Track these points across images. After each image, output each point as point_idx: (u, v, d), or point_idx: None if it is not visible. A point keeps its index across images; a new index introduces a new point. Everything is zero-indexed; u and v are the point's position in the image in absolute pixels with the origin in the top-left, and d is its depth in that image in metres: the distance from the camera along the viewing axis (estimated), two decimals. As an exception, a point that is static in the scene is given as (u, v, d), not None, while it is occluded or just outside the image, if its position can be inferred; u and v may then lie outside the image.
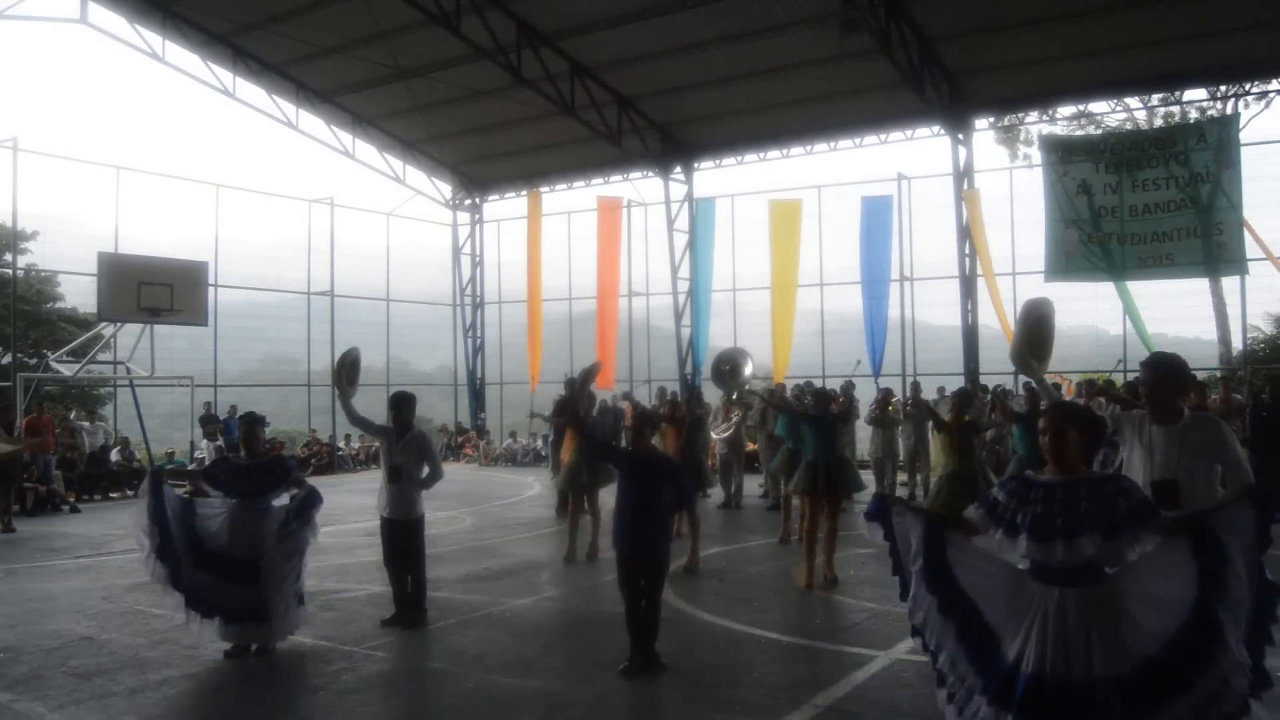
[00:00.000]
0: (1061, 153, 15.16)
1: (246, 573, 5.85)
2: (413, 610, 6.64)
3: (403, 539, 6.64)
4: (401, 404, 6.72)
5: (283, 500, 6.19)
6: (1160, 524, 3.19)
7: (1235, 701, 3.04)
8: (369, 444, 19.95)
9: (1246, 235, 13.97)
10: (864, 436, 14.58)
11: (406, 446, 6.61)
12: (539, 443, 20.79)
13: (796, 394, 13.10)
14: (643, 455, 5.73)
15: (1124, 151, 14.70)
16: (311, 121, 20.54)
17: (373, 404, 18.46)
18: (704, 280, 19.66)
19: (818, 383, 15.06)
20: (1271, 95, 16.26)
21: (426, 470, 6.69)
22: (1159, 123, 19.23)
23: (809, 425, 8.32)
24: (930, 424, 13.39)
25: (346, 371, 6.90)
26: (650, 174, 20.96)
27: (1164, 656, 3.07)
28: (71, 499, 14.50)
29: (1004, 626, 3.30)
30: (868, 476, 11.67)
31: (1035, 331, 4.72)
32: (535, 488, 16.36)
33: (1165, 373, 4.27)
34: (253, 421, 6.34)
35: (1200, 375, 14.33)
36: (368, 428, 7.01)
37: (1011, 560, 3.42)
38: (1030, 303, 4.84)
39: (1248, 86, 16.02)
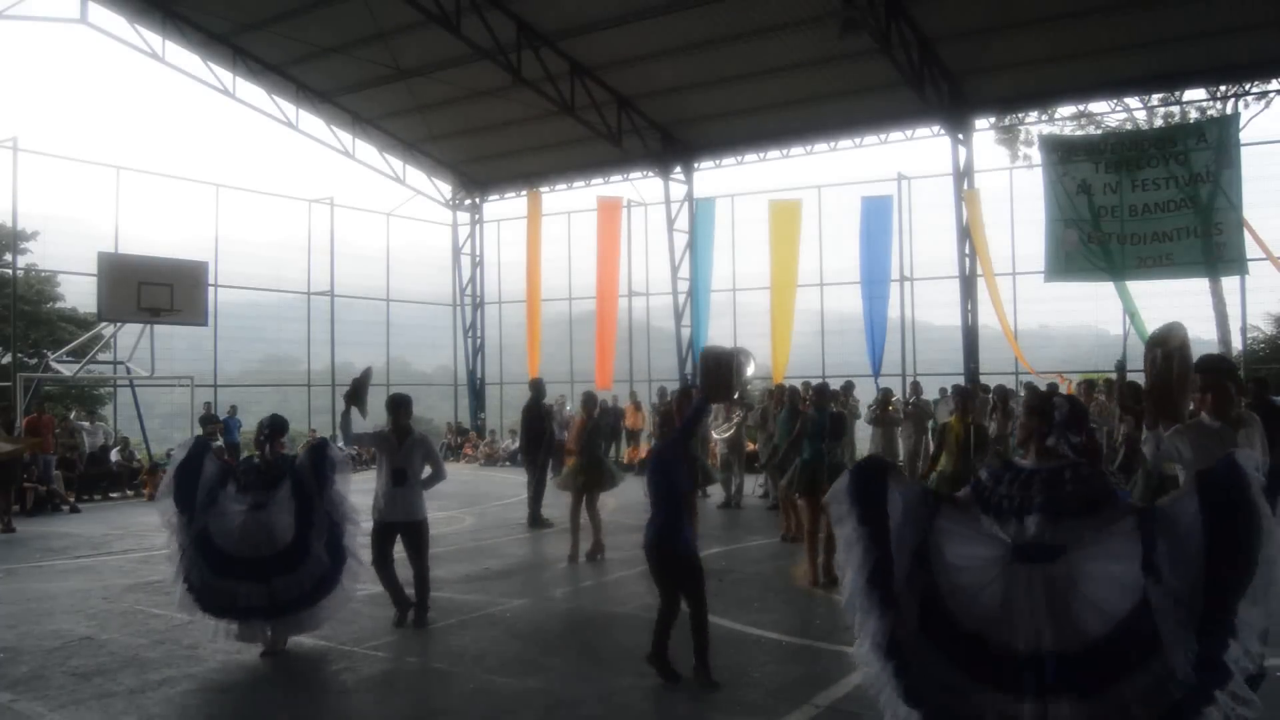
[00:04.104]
0: (1061, 153, 15.15)
1: (252, 572, 5.86)
2: (417, 609, 6.65)
3: (409, 540, 6.66)
4: (399, 406, 6.70)
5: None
6: (1114, 508, 3.31)
7: (1181, 691, 3.02)
8: (368, 444, 19.92)
9: (1246, 235, 13.96)
10: (864, 436, 14.57)
11: (409, 449, 6.62)
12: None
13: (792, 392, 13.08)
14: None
15: (1124, 151, 14.69)
16: (311, 121, 20.54)
17: (372, 405, 18.42)
18: (704, 280, 19.63)
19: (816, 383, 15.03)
20: (1271, 95, 16.25)
21: (429, 471, 6.71)
22: (1159, 123, 19.21)
23: (807, 426, 8.35)
24: (930, 423, 13.39)
25: (363, 392, 6.82)
26: (650, 174, 20.96)
27: (1113, 637, 3.12)
28: (71, 499, 14.49)
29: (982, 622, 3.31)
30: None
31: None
32: (535, 488, 16.30)
33: (1227, 376, 4.51)
34: (273, 427, 6.33)
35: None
36: (364, 440, 6.99)
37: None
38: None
39: (1248, 86, 16.02)
